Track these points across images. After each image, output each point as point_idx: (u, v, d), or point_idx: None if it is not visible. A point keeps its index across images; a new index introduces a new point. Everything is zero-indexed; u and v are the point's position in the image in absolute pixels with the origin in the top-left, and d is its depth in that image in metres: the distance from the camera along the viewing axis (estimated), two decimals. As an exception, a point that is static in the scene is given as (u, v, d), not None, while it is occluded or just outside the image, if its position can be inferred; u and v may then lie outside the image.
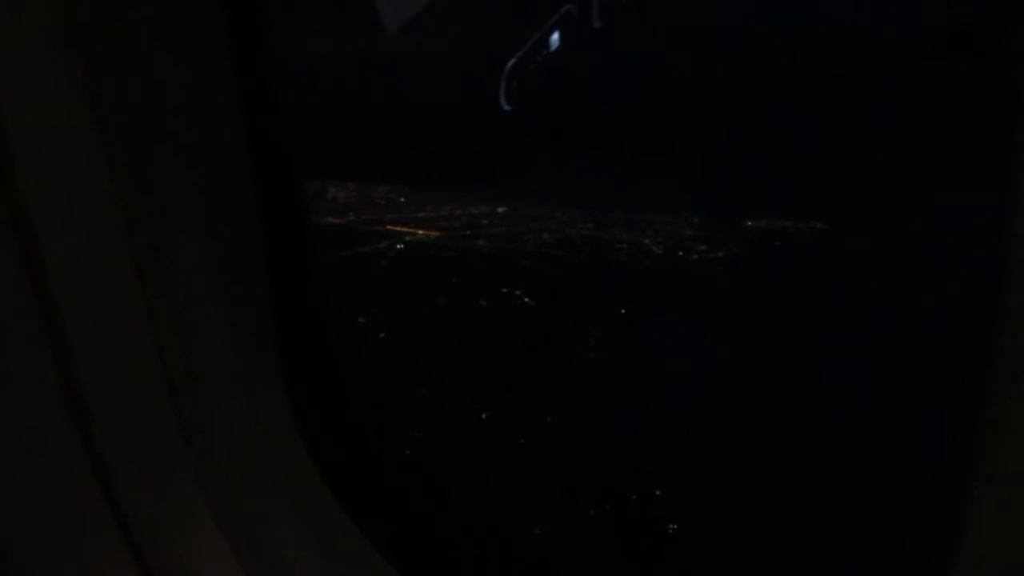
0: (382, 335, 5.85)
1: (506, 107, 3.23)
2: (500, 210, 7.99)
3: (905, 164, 8.23)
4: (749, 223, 8.37)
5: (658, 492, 4.89)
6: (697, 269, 7.27)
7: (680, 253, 7.62)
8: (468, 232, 7.35)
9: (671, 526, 4.74)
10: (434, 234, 7.25)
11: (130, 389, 1.30)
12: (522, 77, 3.15)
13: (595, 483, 4.90)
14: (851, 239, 7.63)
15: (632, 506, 4.80)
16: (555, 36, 3.11)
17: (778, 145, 8.95)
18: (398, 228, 7.16)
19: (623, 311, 6.34)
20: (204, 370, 1.36)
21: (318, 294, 1.64)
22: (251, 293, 1.39)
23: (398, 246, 7.03)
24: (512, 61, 3.13)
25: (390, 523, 1.97)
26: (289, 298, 1.48)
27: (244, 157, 1.32)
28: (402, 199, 7.73)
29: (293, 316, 1.49)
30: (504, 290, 6.54)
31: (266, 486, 1.49)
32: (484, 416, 5.33)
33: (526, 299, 6.50)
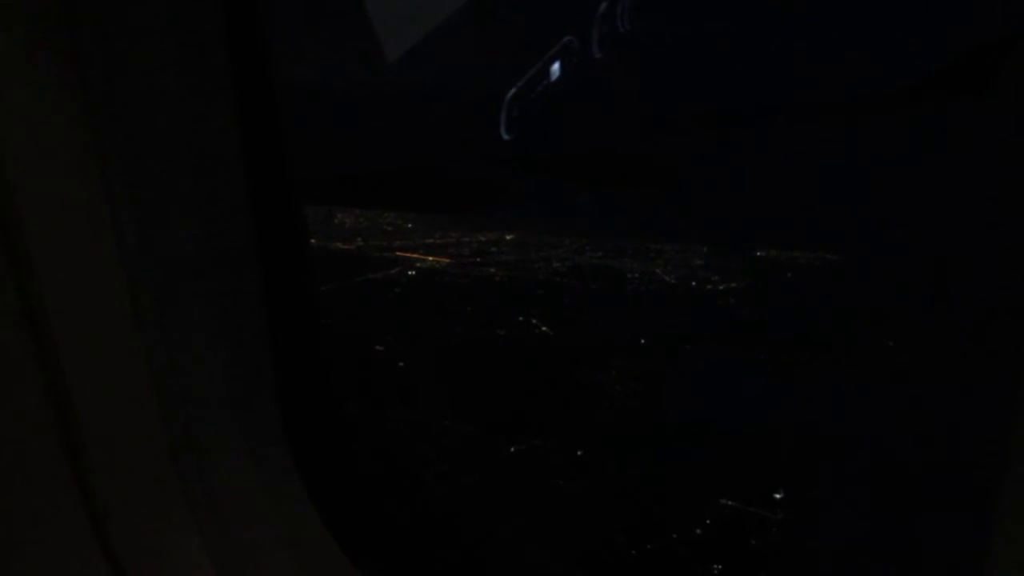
0: (402, 364, 5.69)
1: (506, 136, 3.18)
2: (508, 238, 7.87)
3: (910, 194, 8.27)
4: (759, 253, 8.34)
5: (698, 531, 4.76)
6: (713, 300, 7.18)
7: (693, 283, 7.54)
8: (478, 259, 7.22)
9: (716, 566, 4.61)
10: (444, 261, 7.11)
11: (123, 416, 1.28)
12: (523, 106, 3.09)
13: (634, 520, 4.75)
14: (862, 270, 7.62)
15: (674, 545, 4.65)
16: (556, 66, 3.05)
17: (783, 175, 8.94)
18: (408, 254, 7.01)
19: (643, 341, 6.22)
20: (198, 396, 1.31)
21: (317, 320, 1.54)
22: (248, 316, 1.32)
23: (409, 272, 6.88)
24: (513, 91, 3.08)
25: (395, 565, 1.82)
26: (288, 323, 1.40)
27: (243, 183, 1.26)
28: (409, 225, 7.60)
29: (292, 343, 1.42)
30: (520, 318, 6.40)
31: (261, 517, 1.42)
32: (512, 449, 5.17)
33: (543, 328, 6.36)
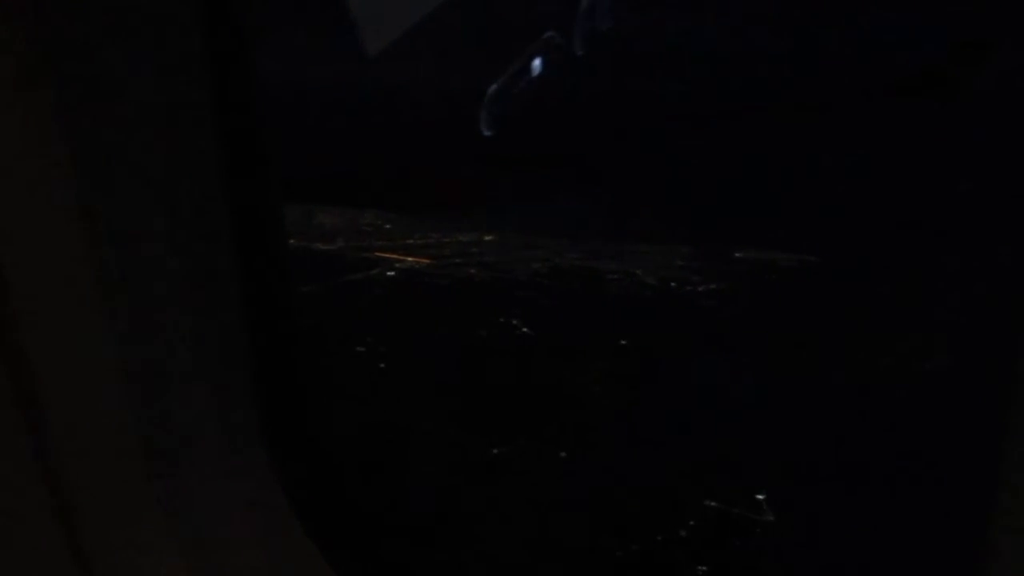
0: (383, 365, 5.65)
1: (487, 133, 3.18)
2: (488, 238, 7.84)
3: (888, 196, 8.34)
4: (738, 255, 8.35)
5: (683, 532, 4.76)
6: (694, 301, 7.19)
7: (673, 284, 7.54)
8: (458, 260, 7.18)
9: (700, 568, 4.61)
10: (424, 261, 7.07)
11: (93, 415, 1.25)
12: (504, 103, 3.08)
13: (619, 521, 4.74)
14: (843, 272, 7.66)
15: (658, 546, 4.65)
16: (537, 62, 3.04)
17: (763, 176, 8.98)
18: (387, 255, 6.96)
19: (623, 342, 6.22)
20: (172, 395, 1.30)
21: (295, 320, 1.52)
22: (225, 316, 1.30)
23: (389, 273, 6.84)
24: (494, 87, 3.07)
25: (373, 565, 1.80)
26: (266, 323, 1.38)
27: (220, 178, 1.24)
28: (388, 225, 7.54)
29: (269, 343, 1.40)
30: (501, 320, 6.38)
31: (236, 517, 1.41)
32: (495, 451, 5.15)
33: (524, 329, 6.35)
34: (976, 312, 6.91)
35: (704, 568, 4.52)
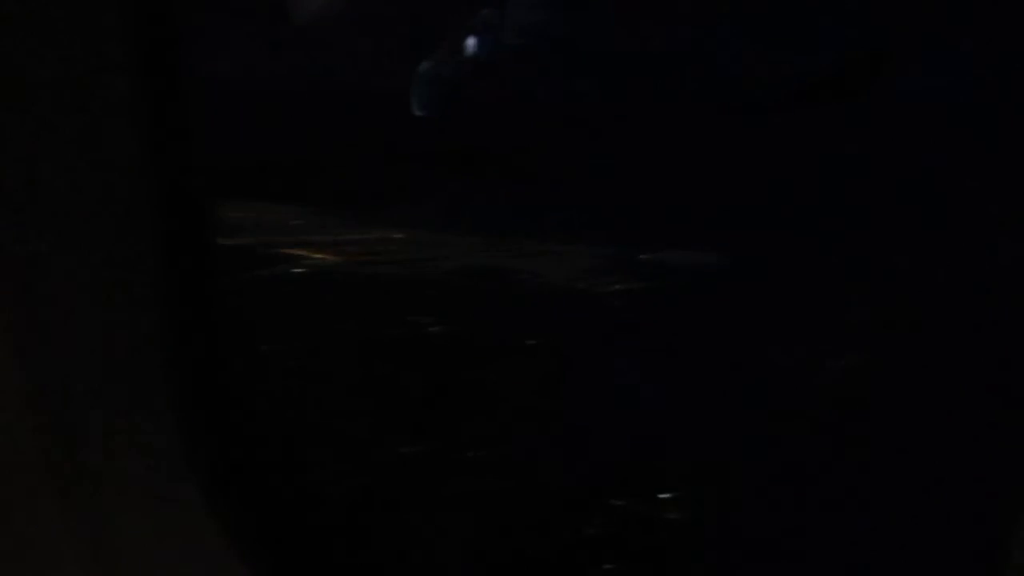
0: (289, 364, 5.57)
1: (418, 113, 3.16)
2: (397, 236, 7.72)
3: (787, 199, 8.55)
4: (643, 256, 8.42)
5: (590, 532, 4.84)
6: (598, 301, 7.23)
7: (580, 284, 7.56)
8: (367, 258, 7.08)
9: (606, 567, 4.71)
10: (332, 258, 6.94)
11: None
12: (436, 83, 3.07)
13: (526, 521, 4.81)
14: (748, 274, 7.79)
15: (566, 546, 4.73)
16: (472, 41, 3.04)
17: (668, 179, 9.07)
18: (294, 251, 6.81)
19: (533, 342, 6.25)
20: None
21: (220, 315, 1.51)
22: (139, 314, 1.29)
23: (295, 270, 6.70)
24: (425, 65, 3.05)
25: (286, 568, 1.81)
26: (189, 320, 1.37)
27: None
28: (295, 220, 7.38)
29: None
30: (411, 318, 6.34)
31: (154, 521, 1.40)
32: (405, 451, 5.15)
33: (434, 328, 6.33)
34: (880, 312, 7.10)
35: (610, 567, 4.62)
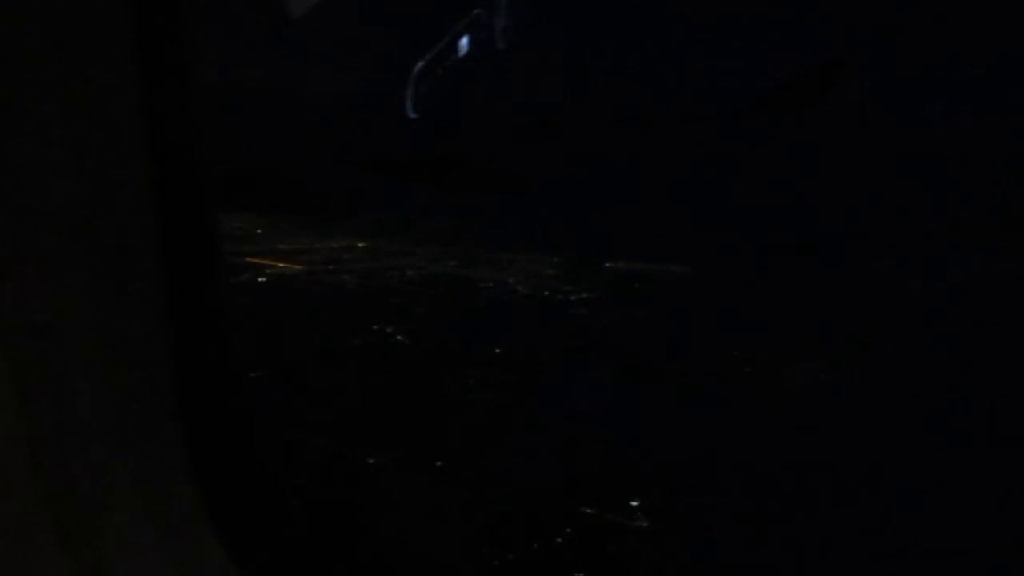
0: (253, 375, 5.44)
1: (413, 114, 3.10)
2: (360, 245, 7.72)
3: (749, 208, 8.69)
4: (608, 264, 8.52)
5: (559, 539, 4.80)
6: (564, 310, 7.27)
7: (546, 293, 7.61)
8: (331, 267, 7.04)
9: (577, 574, 4.66)
10: (296, 267, 6.89)
11: None
12: (430, 83, 3.01)
13: (494, 530, 4.74)
14: (709, 282, 7.92)
15: (536, 554, 4.67)
16: (464, 41, 2.98)
17: (631, 189, 9.19)
18: (258, 260, 6.76)
19: (498, 351, 6.24)
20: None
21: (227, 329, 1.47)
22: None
23: (260, 279, 6.63)
24: (420, 65, 2.99)
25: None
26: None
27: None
28: (258, 230, 7.32)
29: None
30: (375, 327, 6.29)
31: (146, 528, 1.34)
32: (371, 461, 5.06)
33: (398, 337, 6.28)
34: (843, 319, 7.29)
35: (581, 574, 4.57)
